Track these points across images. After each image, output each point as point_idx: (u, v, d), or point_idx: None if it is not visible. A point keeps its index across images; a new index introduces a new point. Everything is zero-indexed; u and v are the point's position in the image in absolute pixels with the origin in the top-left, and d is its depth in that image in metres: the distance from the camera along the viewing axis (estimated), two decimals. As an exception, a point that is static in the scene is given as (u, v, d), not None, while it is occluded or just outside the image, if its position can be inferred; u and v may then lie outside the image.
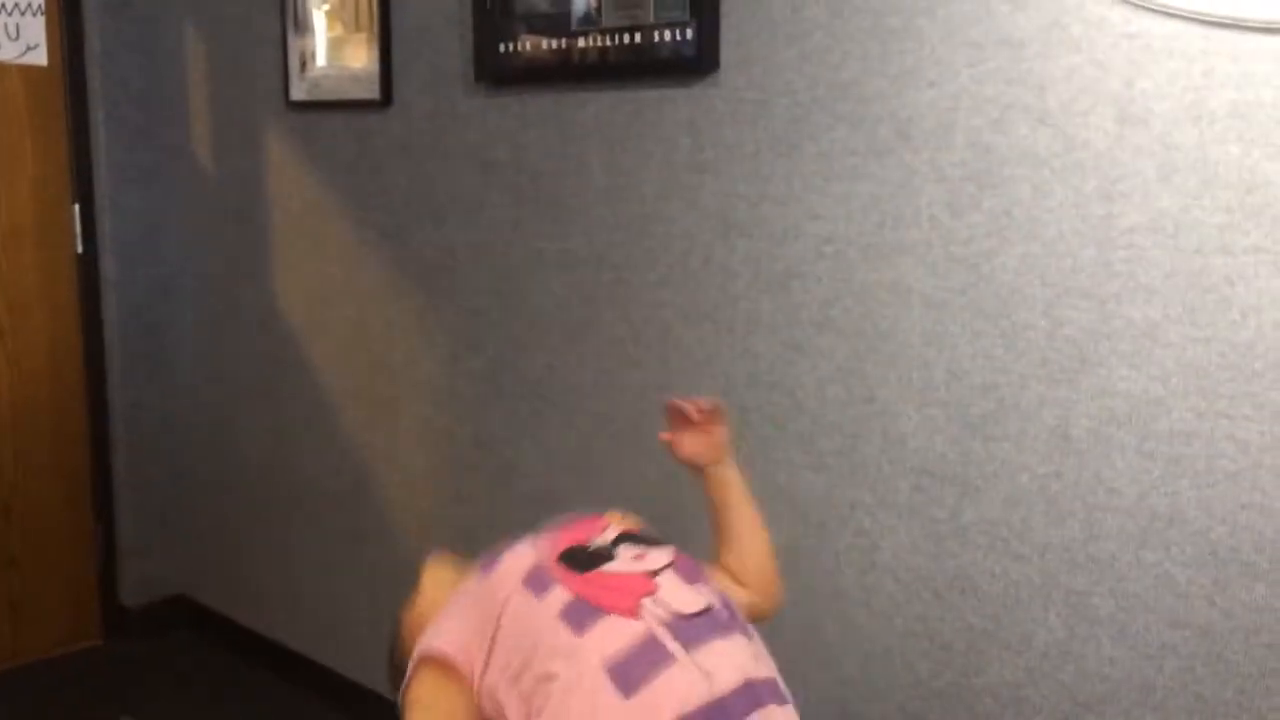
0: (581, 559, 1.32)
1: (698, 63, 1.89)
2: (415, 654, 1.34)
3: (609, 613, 1.24)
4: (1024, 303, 1.60)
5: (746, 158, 1.88)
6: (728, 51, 1.88)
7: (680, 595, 1.28)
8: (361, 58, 2.50)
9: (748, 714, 1.19)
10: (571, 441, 2.22)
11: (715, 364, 1.97)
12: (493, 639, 1.28)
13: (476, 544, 2.42)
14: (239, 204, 2.90)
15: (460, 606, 1.38)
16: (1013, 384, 1.62)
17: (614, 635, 1.21)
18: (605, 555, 1.34)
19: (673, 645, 1.21)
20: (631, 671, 1.18)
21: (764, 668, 1.28)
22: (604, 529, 1.41)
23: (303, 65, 2.63)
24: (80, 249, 3.04)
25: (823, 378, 1.83)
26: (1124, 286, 1.51)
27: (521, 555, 1.38)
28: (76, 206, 3.03)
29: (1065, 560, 1.60)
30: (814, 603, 1.88)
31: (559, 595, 1.27)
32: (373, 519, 2.67)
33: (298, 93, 2.65)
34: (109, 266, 3.07)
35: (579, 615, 1.24)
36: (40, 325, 3.01)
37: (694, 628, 1.24)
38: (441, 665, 1.31)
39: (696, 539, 2.03)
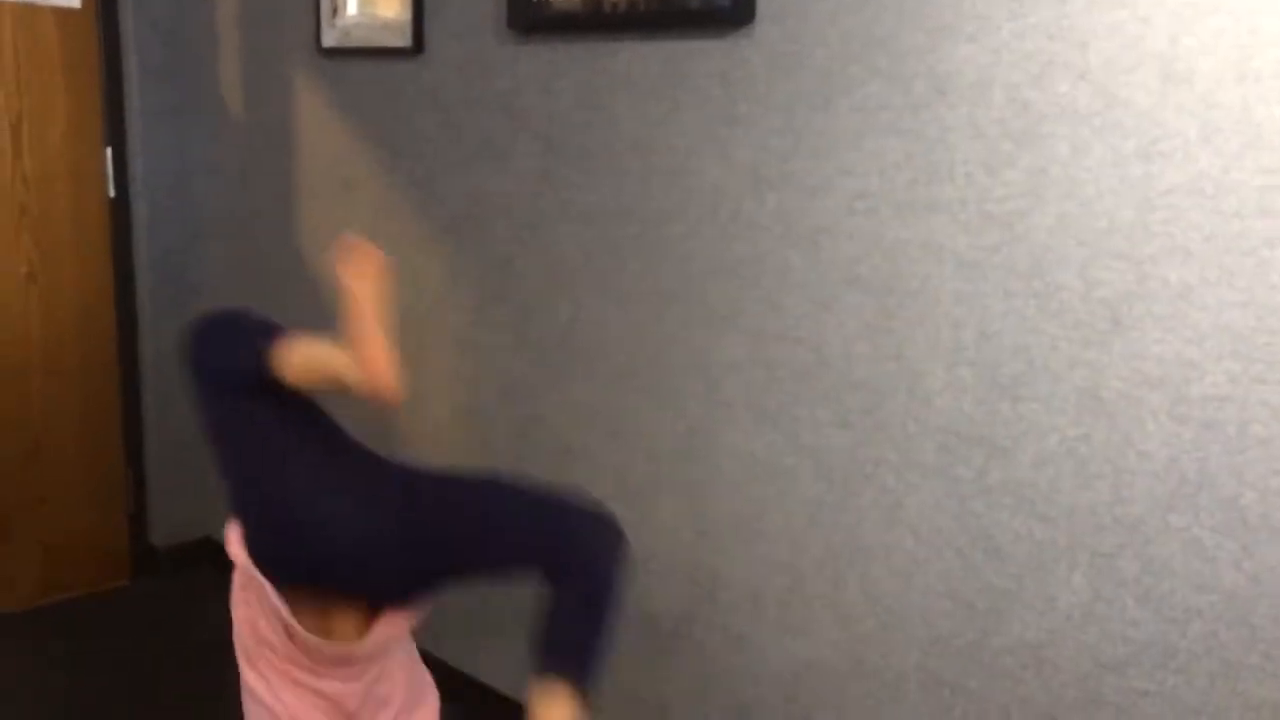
0: None
1: (732, 14, 1.87)
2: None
3: None
4: (1058, 263, 1.58)
5: (779, 111, 1.86)
6: (763, 3, 1.85)
7: None
8: (393, 5, 2.48)
9: None
10: (595, 393, 2.22)
11: (741, 318, 1.96)
12: None
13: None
14: (268, 150, 2.90)
15: None
16: (1044, 345, 1.61)
17: None
18: None
19: None
20: None
21: None
22: None
23: (334, 12, 2.62)
24: (112, 192, 3.06)
25: (850, 335, 1.82)
26: (1161, 248, 1.49)
27: None
28: (109, 150, 3.04)
29: (1092, 522, 1.59)
30: (835, 559, 1.89)
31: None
32: (398, 467, 2.69)
33: (329, 39, 2.63)
34: (140, 210, 3.09)
35: None
36: (72, 268, 3.03)
37: None
38: None
39: (717, 490, 2.03)
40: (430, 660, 1.92)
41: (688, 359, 2.06)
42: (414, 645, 1.87)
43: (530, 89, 2.24)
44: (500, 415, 2.43)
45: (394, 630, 1.69)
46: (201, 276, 3.20)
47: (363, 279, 1.67)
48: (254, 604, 1.65)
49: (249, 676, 1.68)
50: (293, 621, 1.60)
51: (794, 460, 1.93)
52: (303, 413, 1.72)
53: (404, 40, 2.45)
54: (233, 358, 1.66)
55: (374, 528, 1.62)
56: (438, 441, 2.58)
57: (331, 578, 1.63)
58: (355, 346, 1.60)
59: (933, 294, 1.72)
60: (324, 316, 2.81)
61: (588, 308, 2.21)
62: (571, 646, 1.54)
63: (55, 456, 3.07)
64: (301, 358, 1.60)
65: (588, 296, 2.21)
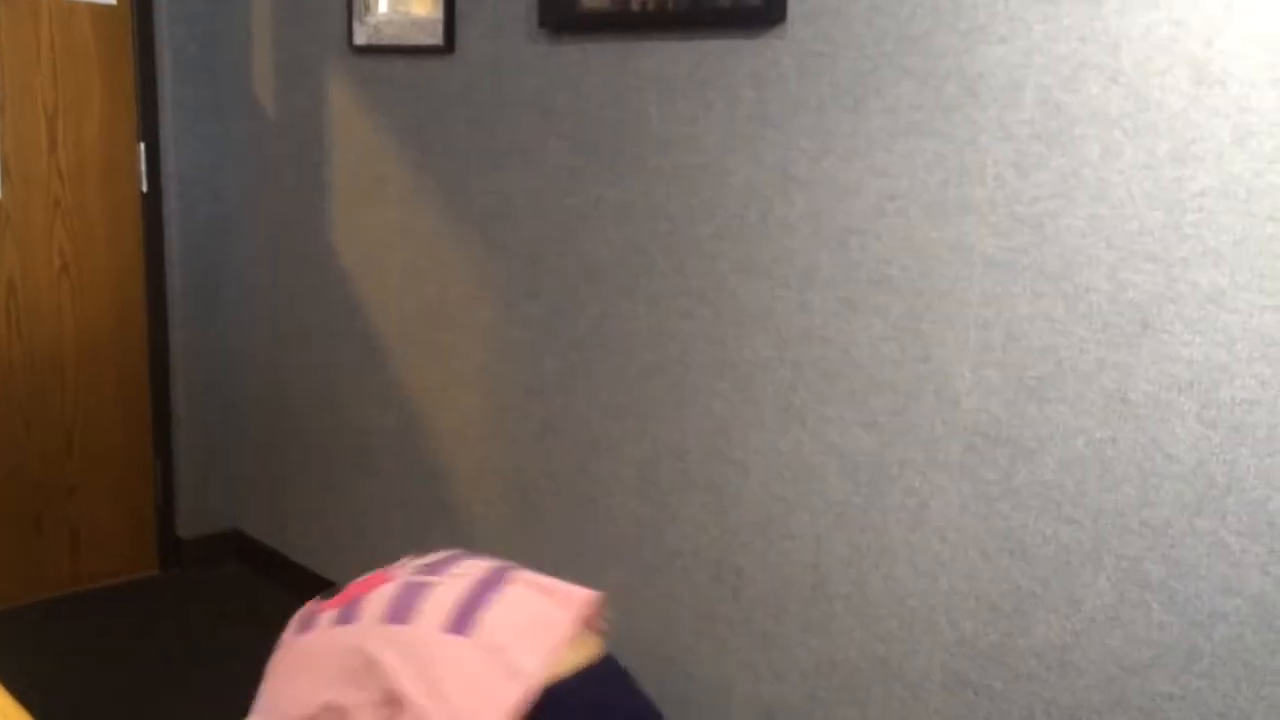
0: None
1: (764, 13, 1.88)
2: None
3: (365, 594, 1.27)
4: (1088, 265, 1.58)
5: (810, 111, 1.87)
6: (795, 3, 1.86)
7: (418, 565, 1.33)
8: (425, 4, 2.50)
9: (499, 583, 1.27)
10: (623, 391, 2.24)
11: (769, 318, 1.97)
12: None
13: (524, 489, 2.46)
14: (299, 146, 2.93)
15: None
16: (1072, 347, 1.61)
17: (379, 600, 1.26)
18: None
19: (427, 578, 1.27)
20: (401, 605, 1.24)
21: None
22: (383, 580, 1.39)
23: (365, 9, 2.64)
24: (145, 187, 3.10)
25: (877, 335, 1.83)
26: (1192, 251, 1.49)
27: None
28: (142, 145, 3.08)
29: (1118, 525, 1.59)
30: (859, 559, 1.90)
31: (325, 618, 1.28)
32: (422, 461, 2.71)
33: (360, 37, 2.66)
34: (172, 205, 3.12)
35: (345, 617, 1.27)
36: (105, 261, 3.07)
37: (441, 564, 1.32)
38: None
39: (743, 489, 2.04)
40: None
41: (715, 358, 2.07)
42: None
43: (561, 88, 2.26)
44: (528, 412, 2.45)
45: None
46: (232, 271, 3.24)
47: None
48: None
49: None
50: None
51: (820, 460, 1.93)
52: None
53: (435, 38, 2.48)
54: None
55: None
56: (465, 437, 2.60)
57: None
58: None
59: (961, 295, 1.72)
60: (352, 313, 2.84)
61: (616, 306, 2.23)
62: None
63: (86, 448, 3.11)
64: None
65: (616, 295, 2.22)
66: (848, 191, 1.83)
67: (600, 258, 2.24)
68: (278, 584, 3.22)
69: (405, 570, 1.37)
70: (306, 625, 1.33)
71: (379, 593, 1.29)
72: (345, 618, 1.28)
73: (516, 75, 2.34)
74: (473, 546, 2.61)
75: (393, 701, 1.20)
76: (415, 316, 2.68)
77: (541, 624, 1.25)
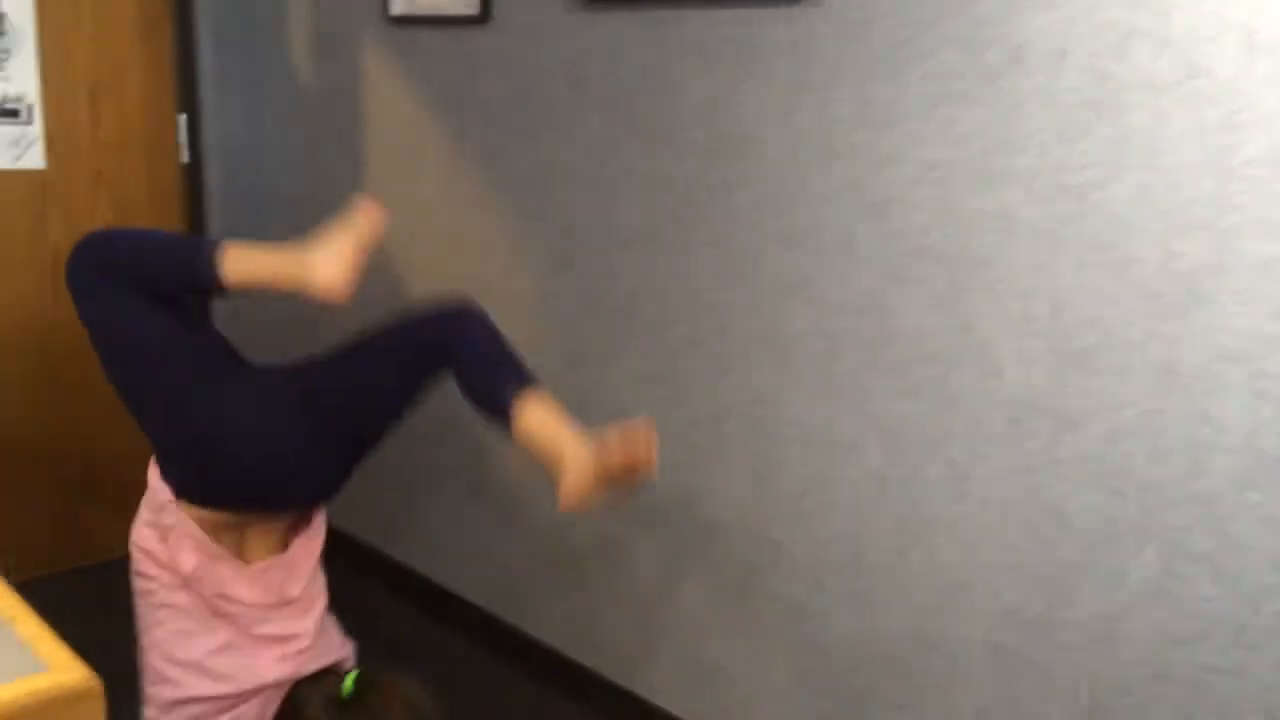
0: None
1: (803, -20, 1.85)
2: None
3: None
4: (1135, 234, 1.55)
5: (848, 81, 1.84)
6: (834, -32, 1.83)
7: None
8: (460, -29, 2.49)
9: None
10: (660, 361, 2.24)
11: (808, 289, 1.96)
12: None
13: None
14: (337, 117, 2.93)
15: None
16: (1119, 317, 1.59)
17: None
18: None
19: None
20: None
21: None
22: None
23: (401, -21, 2.63)
24: (185, 158, 3.12)
25: (918, 306, 1.81)
26: (1242, 219, 1.46)
27: None
28: (182, 117, 3.10)
29: (1164, 498, 1.57)
30: (899, 531, 1.89)
31: None
32: (459, 429, 2.73)
33: (397, 8, 2.65)
34: (212, 175, 3.15)
35: None
36: (147, 234, 3.10)
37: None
38: None
39: (781, 460, 2.04)
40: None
41: (753, 329, 2.06)
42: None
43: (597, 58, 2.24)
44: (564, 382, 2.46)
45: (312, 544, 1.90)
46: (272, 240, 3.26)
47: (364, 220, 1.84)
48: (173, 542, 1.76)
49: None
50: (217, 548, 1.75)
51: (859, 432, 1.93)
52: (204, 331, 1.83)
53: (471, 8, 2.46)
54: (171, 262, 1.73)
55: (291, 432, 1.75)
56: (503, 407, 2.61)
57: (257, 495, 1.76)
58: (320, 244, 1.77)
59: (1004, 265, 1.70)
60: (390, 284, 2.85)
61: (653, 276, 2.22)
62: (507, 373, 1.71)
63: (131, 418, 3.16)
64: (250, 258, 1.75)
65: (653, 265, 2.21)
66: (887, 161, 1.81)
67: (637, 228, 2.23)
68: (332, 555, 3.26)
69: None
70: None
71: None
72: None
73: (553, 45, 2.33)
74: (506, 514, 2.63)
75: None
76: (453, 287, 2.68)
77: None
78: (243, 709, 1.78)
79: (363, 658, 1.98)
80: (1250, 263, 1.46)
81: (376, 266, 2.89)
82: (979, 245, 1.72)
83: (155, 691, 1.80)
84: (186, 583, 1.77)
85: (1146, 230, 1.54)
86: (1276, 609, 1.49)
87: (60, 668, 0.99)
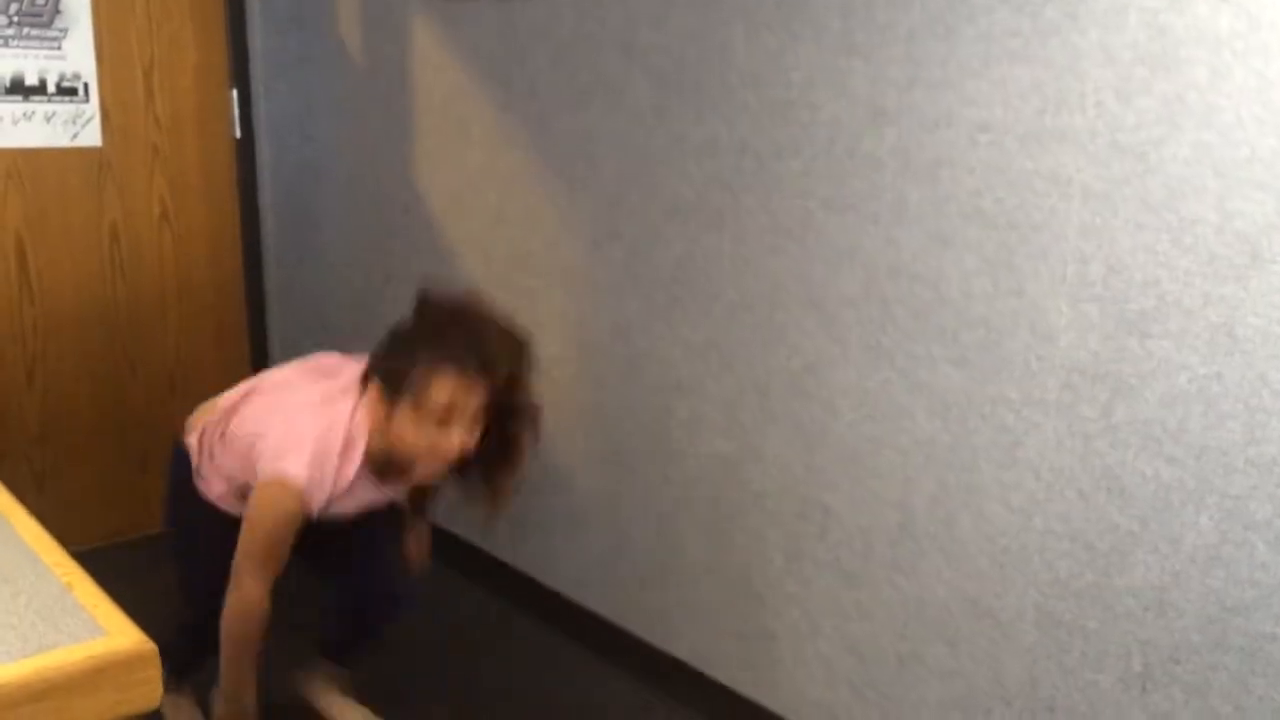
0: None
1: (852, -60, 1.82)
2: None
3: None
4: (1193, 194, 1.52)
5: (899, 41, 1.82)
6: (885, -72, 1.80)
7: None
8: (507, -59, 2.49)
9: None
10: (708, 329, 2.23)
11: (857, 255, 1.94)
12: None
13: (607, 428, 2.47)
14: (386, 90, 2.95)
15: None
16: (1176, 280, 1.55)
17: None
18: None
19: None
20: None
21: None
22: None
23: (449, -50, 2.63)
24: (238, 134, 3.16)
25: (969, 270, 1.79)
26: (1306, 177, 1.42)
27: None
28: (234, 93, 3.13)
29: (1222, 463, 1.54)
30: (949, 498, 1.87)
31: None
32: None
33: (444, -22, 2.65)
34: (265, 150, 3.18)
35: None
36: (202, 208, 3.15)
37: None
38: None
39: (829, 427, 2.03)
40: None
41: (802, 295, 2.04)
42: None
43: (643, 23, 2.23)
44: (613, 351, 2.46)
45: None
46: (324, 215, 3.29)
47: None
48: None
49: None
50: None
51: (909, 398, 1.91)
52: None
53: (518, -23, 2.46)
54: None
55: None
56: (550, 379, 2.62)
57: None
58: None
59: (1058, 228, 1.67)
60: (439, 257, 2.87)
61: (701, 244, 2.21)
62: (354, 651, 2.38)
63: (188, 389, 3.22)
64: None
65: (701, 232, 2.21)
66: (938, 123, 1.78)
67: (684, 196, 2.22)
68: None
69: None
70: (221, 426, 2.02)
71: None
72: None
73: (598, 12, 2.32)
74: (554, 482, 2.65)
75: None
76: (501, 259, 2.69)
77: None
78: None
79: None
80: (1314, 221, 1.42)
81: (425, 240, 2.91)
82: (1033, 208, 1.69)
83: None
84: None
85: (1205, 190, 1.51)
86: (1338, 576, 1.46)
87: (117, 632, 1.01)
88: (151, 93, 3.01)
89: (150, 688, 1.00)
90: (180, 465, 2.05)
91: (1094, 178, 1.62)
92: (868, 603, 2.03)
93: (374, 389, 1.85)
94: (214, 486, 2.00)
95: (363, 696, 2.30)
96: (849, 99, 1.90)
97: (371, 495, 1.95)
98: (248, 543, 1.84)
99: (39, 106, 2.84)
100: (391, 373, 1.83)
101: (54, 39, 2.84)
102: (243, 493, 1.91)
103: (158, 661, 1.00)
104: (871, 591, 2.02)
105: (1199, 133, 1.50)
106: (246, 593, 1.85)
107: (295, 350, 3.34)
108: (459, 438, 1.81)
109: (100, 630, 1.01)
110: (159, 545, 3.19)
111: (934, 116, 1.79)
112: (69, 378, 3.02)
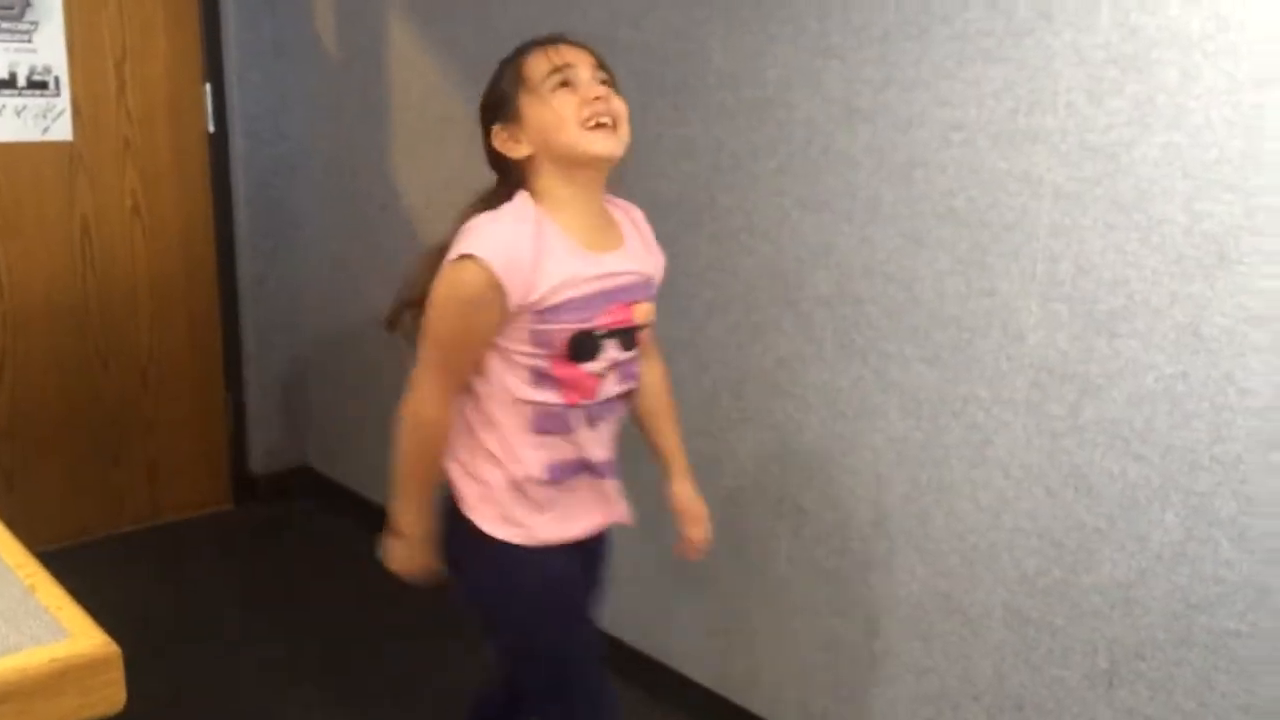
0: (579, 348, 1.58)
1: (828, -60, 1.83)
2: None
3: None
4: (1163, 195, 1.54)
5: (874, 42, 1.83)
6: (860, -72, 1.81)
7: (607, 390, 1.62)
8: (484, -63, 2.48)
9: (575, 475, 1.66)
10: (684, 327, 2.23)
11: (831, 253, 1.95)
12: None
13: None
14: (361, 86, 2.93)
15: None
16: (1144, 279, 1.57)
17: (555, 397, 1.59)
18: (594, 349, 1.59)
19: (576, 422, 1.61)
20: (544, 424, 1.60)
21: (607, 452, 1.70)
22: (617, 322, 1.63)
23: (426, -55, 2.62)
24: (211, 127, 3.14)
25: (942, 270, 1.80)
26: (1272, 179, 1.44)
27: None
28: (208, 86, 3.11)
29: (1187, 461, 1.56)
30: (921, 496, 1.89)
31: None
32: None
33: (421, -27, 2.65)
34: (238, 144, 3.16)
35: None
36: (174, 201, 3.12)
37: (600, 411, 1.63)
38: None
39: (803, 425, 2.03)
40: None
41: (777, 293, 2.05)
42: None
43: (622, 22, 2.23)
44: (587, 349, 2.45)
45: None
46: (298, 210, 3.28)
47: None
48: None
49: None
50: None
51: (882, 397, 1.92)
52: None
53: (495, -26, 2.45)
54: None
55: None
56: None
57: None
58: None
59: (1029, 227, 1.68)
60: (415, 249, 2.85)
61: (679, 241, 2.21)
62: None
63: (161, 383, 3.20)
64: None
65: (678, 231, 2.21)
66: (912, 123, 1.80)
67: (662, 193, 2.22)
68: (346, 518, 3.29)
69: None
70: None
71: None
72: None
73: (578, 10, 2.32)
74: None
75: None
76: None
77: None
78: None
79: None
80: (1279, 224, 1.44)
81: (402, 236, 2.90)
82: (1004, 208, 1.71)
83: None
84: None
85: (1174, 191, 1.52)
86: (1301, 573, 1.48)
87: (80, 634, 0.99)
88: (123, 86, 2.98)
89: (113, 690, 0.97)
90: (455, 520, 1.67)
91: (1065, 178, 1.63)
92: (841, 600, 2.04)
93: (498, 134, 1.66)
94: (509, 444, 1.63)
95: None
96: (824, 99, 1.91)
97: (601, 282, 1.63)
98: (426, 334, 1.63)
99: (9, 100, 2.81)
100: (491, 105, 1.66)
101: (25, 32, 2.81)
102: (537, 374, 1.58)
103: (120, 664, 0.98)
104: (845, 589, 2.03)
105: (1169, 134, 1.52)
106: (421, 394, 1.67)
107: (268, 344, 3.32)
108: (592, 88, 1.59)
109: (63, 632, 1.00)
110: (132, 542, 3.18)
111: (908, 116, 1.80)
112: (38, 372, 2.99)
